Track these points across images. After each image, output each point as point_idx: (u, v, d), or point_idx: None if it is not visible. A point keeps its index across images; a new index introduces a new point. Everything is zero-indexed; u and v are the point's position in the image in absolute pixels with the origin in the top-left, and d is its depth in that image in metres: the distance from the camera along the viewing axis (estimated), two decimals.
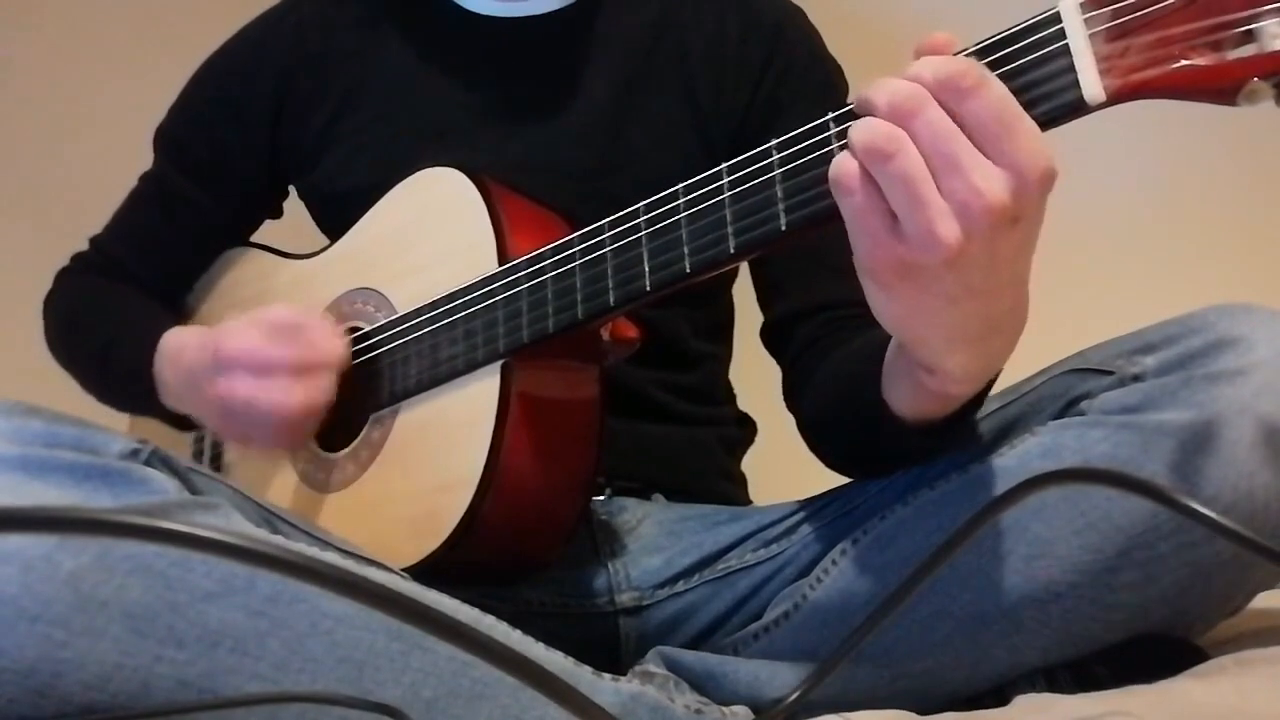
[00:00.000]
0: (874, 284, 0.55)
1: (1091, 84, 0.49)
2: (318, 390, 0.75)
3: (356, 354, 0.81)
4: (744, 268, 0.95)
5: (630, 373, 0.85)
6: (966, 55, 0.52)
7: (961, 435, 0.67)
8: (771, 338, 0.91)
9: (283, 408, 0.73)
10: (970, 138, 0.49)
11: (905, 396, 0.63)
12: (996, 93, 0.49)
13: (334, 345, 0.76)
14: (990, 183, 0.49)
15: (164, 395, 0.85)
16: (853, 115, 0.55)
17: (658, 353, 0.82)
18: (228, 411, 0.76)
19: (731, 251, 0.60)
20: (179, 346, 0.84)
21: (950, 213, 0.50)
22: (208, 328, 0.85)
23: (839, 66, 0.94)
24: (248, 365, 0.74)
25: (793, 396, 0.87)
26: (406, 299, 0.79)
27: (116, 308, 0.96)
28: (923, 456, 0.69)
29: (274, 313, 0.76)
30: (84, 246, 1.02)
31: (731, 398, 0.99)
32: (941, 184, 0.50)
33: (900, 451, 0.70)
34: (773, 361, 0.91)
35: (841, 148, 0.55)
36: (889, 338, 0.63)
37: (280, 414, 0.74)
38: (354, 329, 0.83)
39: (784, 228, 0.58)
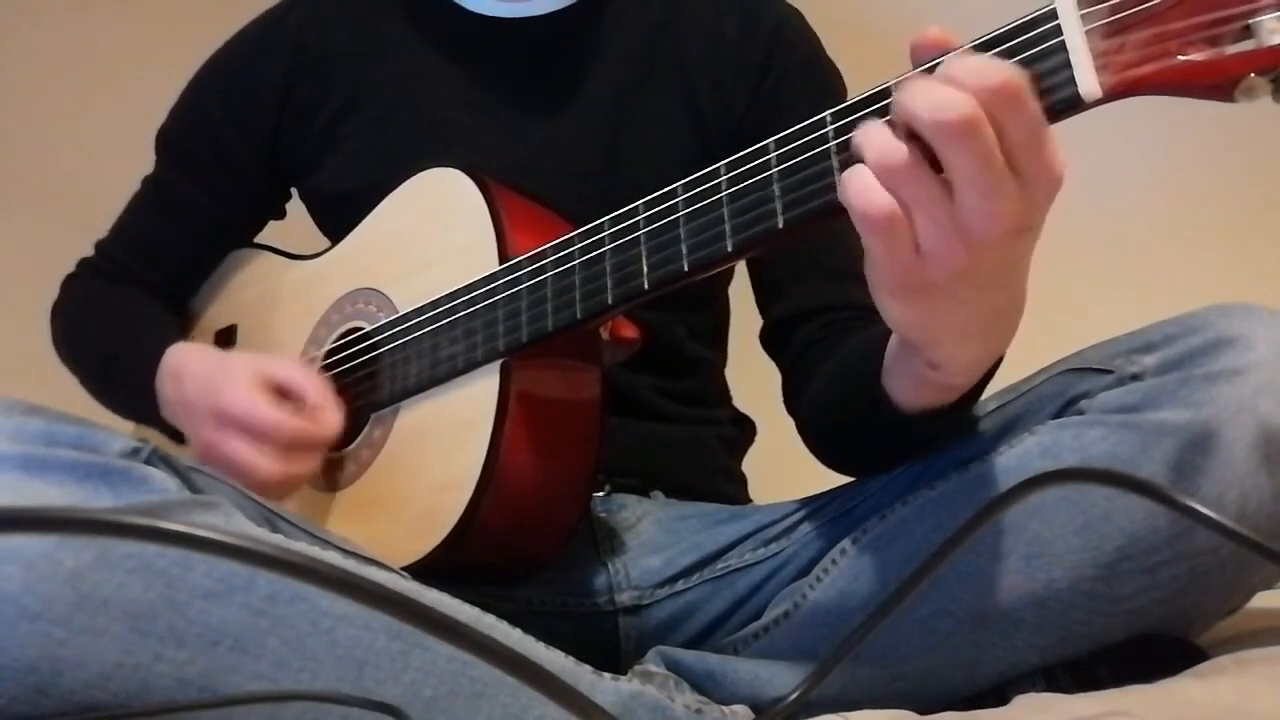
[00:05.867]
0: (891, 299, 0.55)
1: (1088, 80, 0.49)
2: (302, 467, 0.75)
3: (358, 354, 0.81)
4: (742, 270, 0.95)
5: (626, 377, 0.85)
6: (963, 52, 0.52)
7: (960, 423, 0.67)
8: (771, 340, 0.91)
9: (263, 476, 0.73)
10: (1002, 146, 0.48)
11: (907, 390, 0.63)
12: (1034, 102, 0.48)
13: (329, 424, 0.75)
14: (1012, 203, 0.49)
15: (163, 410, 0.85)
16: (849, 114, 0.55)
17: (653, 357, 0.82)
18: (212, 459, 0.77)
19: (729, 250, 0.60)
20: (180, 367, 0.84)
21: (970, 228, 0.50)
22: (212, 352, 0.85)
23: (837, 69, 0.95)
24: (241, 427, 0.74)
25: (792, 398, 0.87)
26: (408, 299, 0.79)
27: (121, 316, 0.96)
28: (921, 447, 0.69)
29: (280, 372, 0.76)
30: (84, 247, 1.03)
31: (727, 399, 0.99)
32: (964, 200, 0.49)
33: (899, 443, 0.70)
34: (771, 362, 0.91)
35: (841, 147, 0.55)
36: (886, 333, 0.63)
37: (258, 481, 0.73)
38: (356, 329, 0.83)
39: (781, 226, 0.58)
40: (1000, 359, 0.63)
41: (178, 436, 0.87)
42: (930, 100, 0.48)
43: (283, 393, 0.76)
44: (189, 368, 0.83)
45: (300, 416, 0.75)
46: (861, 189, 0.50)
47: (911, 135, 0.50)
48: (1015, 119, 0.48)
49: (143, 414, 0.90)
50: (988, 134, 0.48)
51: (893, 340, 0.63)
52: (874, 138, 0.51)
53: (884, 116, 0.53)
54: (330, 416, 0.75)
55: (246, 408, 0.74)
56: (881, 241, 0.51)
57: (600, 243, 0.67)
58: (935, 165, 0.50)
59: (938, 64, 0.51)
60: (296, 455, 0.74)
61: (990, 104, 0.47)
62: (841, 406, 0.74)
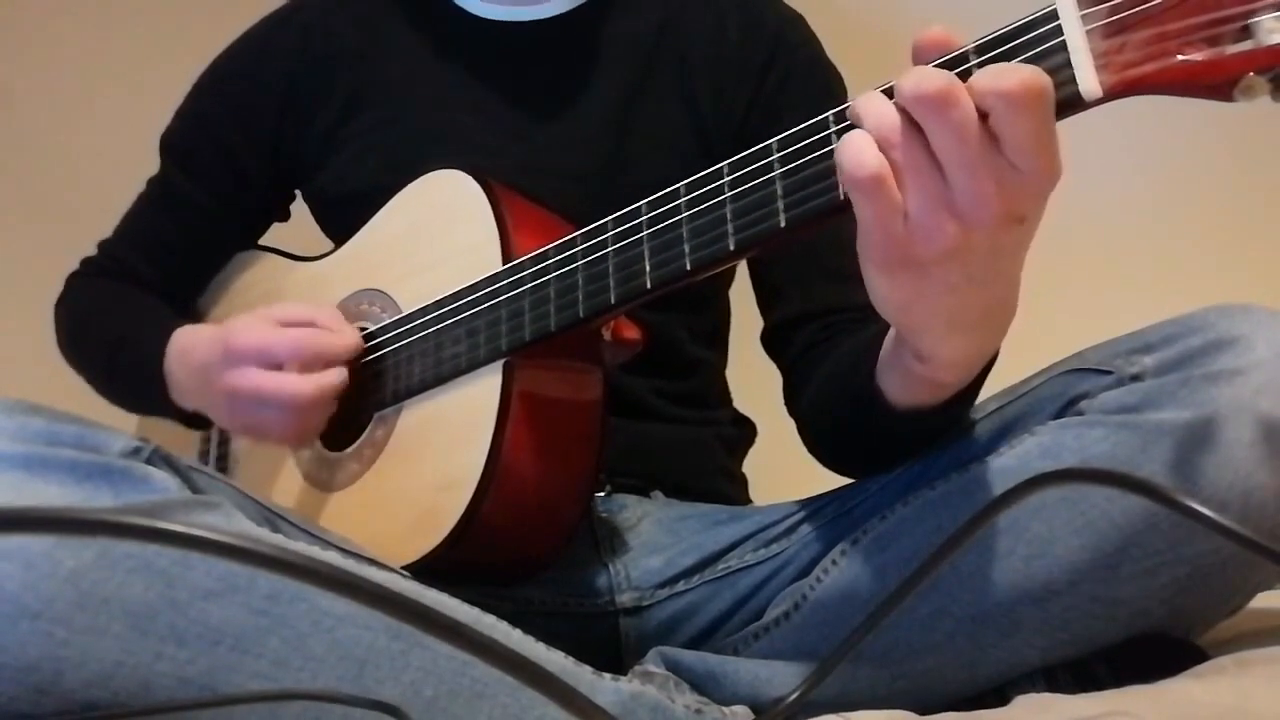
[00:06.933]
0: (878, 272, 0.55)
1: (1088, 80, 0.49)
2: (327, 382, 0.75)
3: (362, 353, 0.81)
4: (743, 271, 0.95)
5: (627, 379, 0.85)
6: (964, 52, 0.52)
7: (955, 424, 0.67)
8: (772, 342, 0.91)
9: (292, 399, 0.73)
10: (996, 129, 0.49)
11: (897, 386, 0.64)
12: (1043, 105, 0.49)
13: (345, 338, 0.76)
14: (1000, 186, 0.50)
15: (174, 392, 0.85)
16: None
17: (654, 359, 0.82)
18: (237, 404, 0.76)
19: (731, 249, 0.61)
20: (189, 344, 0.84)
21: (960, 207, 0.50)
22: (218, 325, 0.85)
23: (838, 72, 0.95)
24: (258, 358, 0.74)
25: (793, 400, 0.88)
26: (411, 299, 0.79)
27: (126, 309, 0.96)
28: (917, 447, 0.70)
29: (285, 308, 0.77)
30: (88, 248, 1.03)
31: (727, 400, 0.99)
32: (956, 178, 0.50)
33: (894, 443, 0.70)
34: (771, 362, 0.91)
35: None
36: (883, 332, 0.64)
37: (289, 405, 0.73)
38: (360, 329, 0.83)
39: (783, 225, 0.58)
40: (993, 360, 0.63)
41: (186, 421, 0.87)
42: (914, 76, 0.50)
43: (290, 327, 0.76)
44: (196, 343, 0.83)
45: (317, 331, 0.75)
46: (854, 150, 0.51)
47: (909, 120, 0.51)
48: (1012, 110, 0.48)
49: (150, 402, 0.90)
50: (964, 108, 0.49)
51: (888, 337, 0.64)
52: (871, 104, 0.52)
53: None
54: (342, 331, 0.75)
55: (260, 337, 0.74)
56: (870, 204, 0.52)
57: (604, 243, 0.67)
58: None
59: (941, 63, 0.52)
60: (319, 373, 0.74)
61: (995, 98, 0.48)
62: (838, 405, 0.74)
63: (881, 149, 0.51)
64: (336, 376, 0.75)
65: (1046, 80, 0.48)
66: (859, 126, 0.52)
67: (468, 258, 0.76)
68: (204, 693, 0.52)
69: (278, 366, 0.74)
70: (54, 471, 0.53)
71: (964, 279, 0.53)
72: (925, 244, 0.51)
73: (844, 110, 0.56)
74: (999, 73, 0.49)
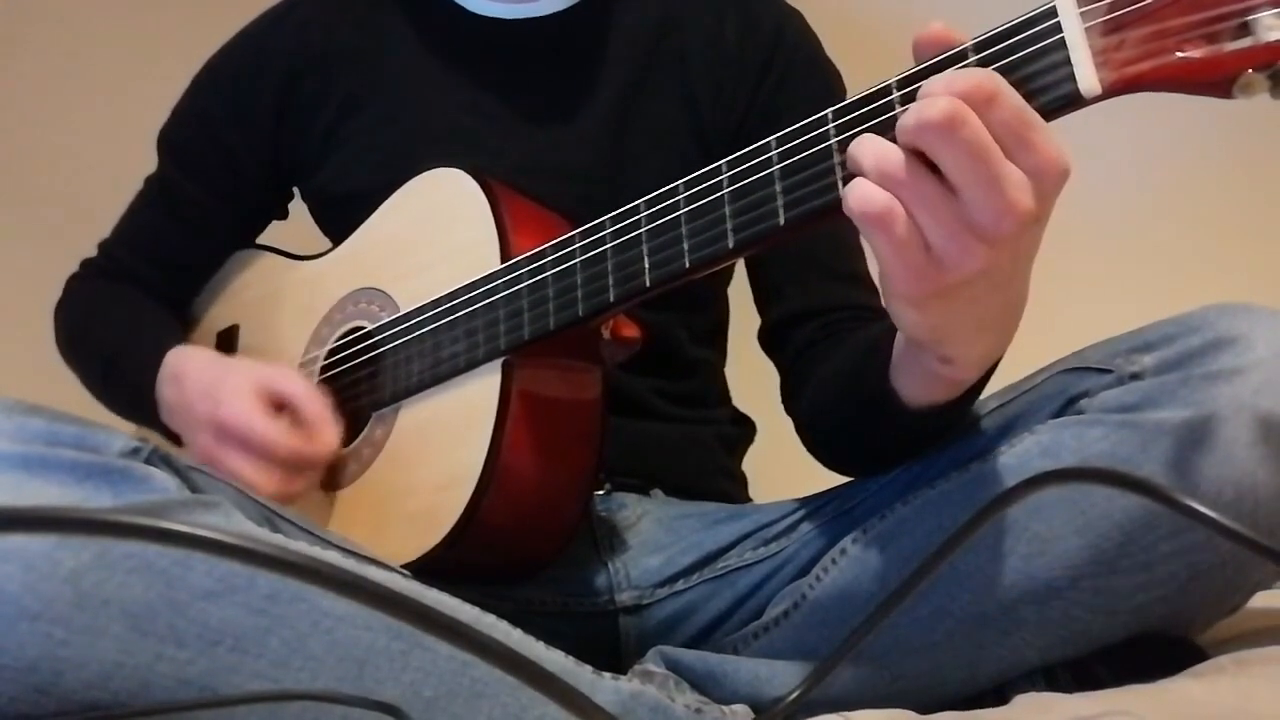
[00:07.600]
0: (906, 306, 0.55)
1: (1087, 77, 0.49)
2: (297, 485, 0.75)
3: (360, 352, 0.81)
4: (743, 270, 0.95)
5: (626, 379, 0.85)
6: (963, 49, 0.52)
7: (964, 417, 0.68)
8: (769, 341, 0.91)
9: (260, 492, 0.73)
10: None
11: (916, 386, 0.63)
12: (1013, 99, 0.49)
13: (325, 442, 0.76)
14: (1021, 193, 0.49)
15: (162, 413, 0.86)
16: (851, 112, 0.56)
17: (654, 358, 0.82)
18: (209, 465, 0.77)
19: (730, 247, 0.61)
20: (182, 370, 0.84)
21: (983, 225, 0.50)
22: (213, 357, 0.85)
23: (837, 71, 0.95)
24: (240, 440, 0.75)
25: (791, 399, 0.88)
26: (410, 298, 0.79)
27: (122, 317, 0.96)
28: (925, 444, 0.69)
29: (280, 385, 0.77)
30: (86, 248, 1.03)
31: (727, 399, 0.99)
32: (974, 197, 0.50)
33: (904, 441, 0.70)
34: (771, 361, 0.91)
35: (842, 146, 0.55)
36: (890, 331, 0.64)
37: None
38: (358, 328, 0.83)
39: (783, 224, 0.58)
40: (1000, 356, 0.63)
41: (177, 439, 0.87)
42: (914, 110, 0.50)
43: (283, 404, 0.76)
44: (190, 372, 0.83)
45: (298, 433, 0.75)
46: (861, 193, 0.51)
47: (911, 154, 0.51)
48: (993, 114, 0.49)
49: (142, 415, 0.90)
50: (973, 124, 0.49)
51: (899, 339, 0.63)
52: (867, 145, 0.52)
53: (884, 115, 0.54)
54: (327, 434, 0.76)
55: (246, 422, 0.75)
56: (886, 240, 0.51)
57: (602, 240, 0.67)
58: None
59: (940, 60, 0.52)
60: (292, 474, 0.75)
61: (964, 101, 0.48)
62: (843, 404, 0.74)
63: (886, 187, 0.51)
64: (305, 483, 0.76)
65: (991, 76, 0.49)
66: (858, 173, 0.52)
67: (466, 256, 0.76)
68: (204, 693, 0.52)
69: (255, 455, 0.74)
70: (54, 471, 0.53)
71: (989, 289, 0.53)
72: (956, 271, 0.51)
73: (843, 108, 0.56)
74: (950, 78, 0.49)
